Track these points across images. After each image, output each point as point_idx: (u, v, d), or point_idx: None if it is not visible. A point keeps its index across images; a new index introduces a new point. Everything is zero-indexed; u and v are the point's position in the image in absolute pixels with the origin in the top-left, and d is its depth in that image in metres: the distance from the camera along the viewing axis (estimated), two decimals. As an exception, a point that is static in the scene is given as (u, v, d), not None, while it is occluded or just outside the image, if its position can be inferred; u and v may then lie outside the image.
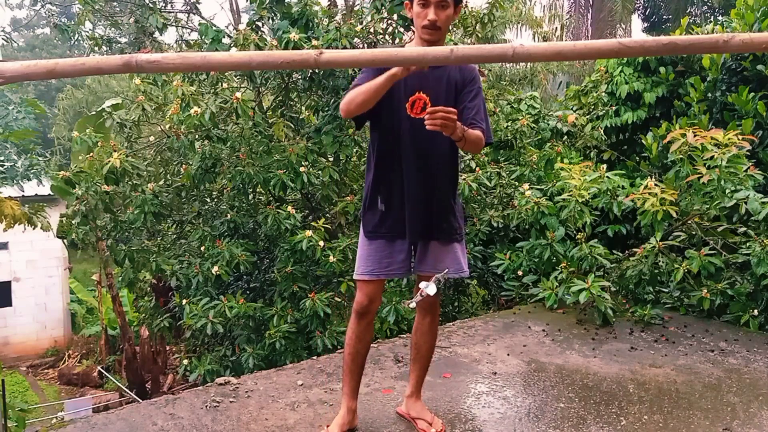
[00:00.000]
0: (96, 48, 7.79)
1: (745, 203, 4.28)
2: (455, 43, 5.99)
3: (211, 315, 4.94)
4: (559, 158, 5.81)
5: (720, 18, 13.04)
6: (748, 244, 4.31)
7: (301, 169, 5.34)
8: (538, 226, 5.04)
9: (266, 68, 5.45)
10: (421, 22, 2.35)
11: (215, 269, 5.11)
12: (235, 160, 5.51)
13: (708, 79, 5.80)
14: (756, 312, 4.31)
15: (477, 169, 5.86)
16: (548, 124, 6.30)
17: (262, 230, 5.62)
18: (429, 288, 2.34)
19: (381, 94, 2.28)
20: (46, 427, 3.11)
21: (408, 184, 2.48)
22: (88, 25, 8.92)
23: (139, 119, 5.84)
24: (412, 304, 2.34)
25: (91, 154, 5.79)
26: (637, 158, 6.25)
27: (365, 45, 6.13)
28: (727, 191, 4.25)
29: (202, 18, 8.20)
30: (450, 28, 6.77)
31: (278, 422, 2.84)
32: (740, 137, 4.12)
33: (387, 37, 6.22)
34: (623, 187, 4.87)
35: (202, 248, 5.52)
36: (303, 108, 6.62)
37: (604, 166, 5.00)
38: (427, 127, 2.19)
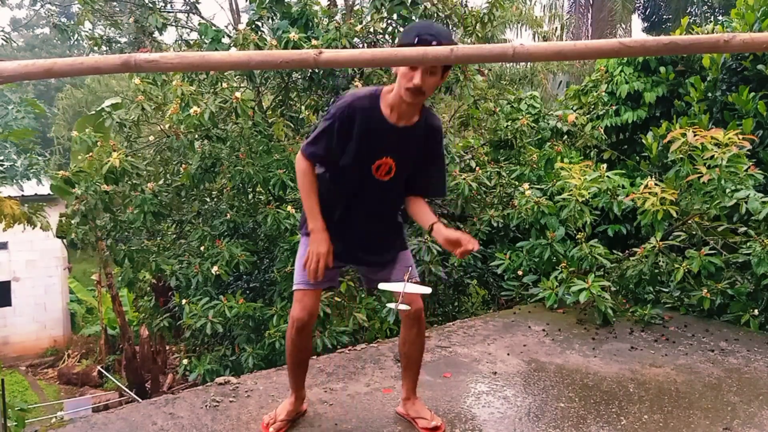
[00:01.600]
0: (95, 48, 7.78)
1: (746, 203, 4.27)
2: (455, 43, 5.98)
3: (210, 315, 4.94)
4: (559, 158, 5.81)
5: (720, 18, 13.04)
6: (748, 243, 4.30)
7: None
8: (538, 226, 5.04)
9: (266, 68, 5.45)
10: (405, 83, 2.24)
11: (215, 269, 5.10)
12: (235, 159, 5.51)
13: (708, 78, 5.79)
14: (756, 312, 4.31)
15: (477, 168, 5.85)
16: (548, 124, 6.29)
17: (261, 230, 5.61)
18: (412, 289, 2.33)
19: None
20: (45, 426, 3.11)
21: (353, 226, 2.52)
22: (87, 25, 8.90)
23: (139, 119, 5.83)
24: (402, 307, 2.33)
25: (91, 153, 5.79)
26: (637, 158, 6.25)
27: (365, 45, 6.12)
28: (728, 191, 4.25)
29: (202, 18, 8.19)
30: (450, 28, 6.77)
31: (278, 422, 2.83)
32: (740, 137, 4.12)
33: (387, 36, 6.22)
34: (623, 187, 4.87)
35: (202, 248, 5.52)
36: (303, 107, 6.61)
37: (604, 165, 4.99)
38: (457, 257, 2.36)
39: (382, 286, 2.39)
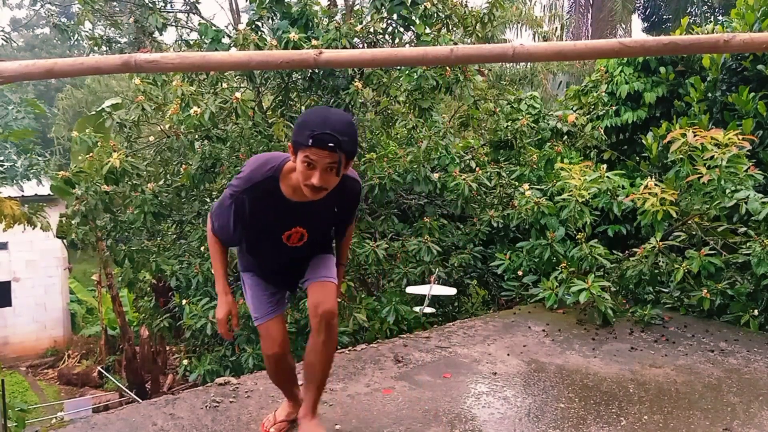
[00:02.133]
0: (96, 48, 7.78)
1: (745, 203, 4.27)
2: (455, 43, 5.99)
3: (210, 315, 4.94)
4: (559, 158, 5.81)
5: (720, 18, 13.04)
6: (748, 244, 4.30)
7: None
8: (538, 226, 5.04)
9: (266, 68, 5.45)
10: (303, 180, 2.06)
11: (215, 269, 5.10)
12: (235, 160, 5.51)
13: (708, 79, 5.79)
14: (756, 312, 4.31)
15: (477, 169, 5.85)
16: (548, 124, 6.29)
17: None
18: (438, 289, 2.30)
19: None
20: (45, 427, 3.11)
21: (281, 272, 2.55)
22: (87, 25, 8.90)
23: (139, 119, 5.83)
24: (428, 310, 2.32)
25: (91, 154, 5.79)
26: (637, 158, 6.25)
27: (365, 45, 6.12)
28: (728, 191, 4.25)
29: (202, 18, 8.19)
30: (450, 28, 6.75)
31: (278, 422, 2.83)
32: (740, 137, 4.12)
33: (387, 36, 6.22)
34: (623, 187, 4.86)
35: (202, 248, 5.52)
36: (303, 108, 6.61)
37: (604, 166, 4.99)
38: None
39: (409, 289, 2.38)
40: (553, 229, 4.87)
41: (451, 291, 2.06)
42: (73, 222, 5.80)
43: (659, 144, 5.36)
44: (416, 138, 5.84)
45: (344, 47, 5.37)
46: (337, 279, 2.48)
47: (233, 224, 2.29)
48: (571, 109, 6.88)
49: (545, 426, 2.83)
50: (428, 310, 2.19)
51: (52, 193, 11.89)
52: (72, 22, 8.49)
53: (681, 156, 4.33)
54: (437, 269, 5.07)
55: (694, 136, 4.22)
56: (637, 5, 21.24)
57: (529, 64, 12.07)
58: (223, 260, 2.45)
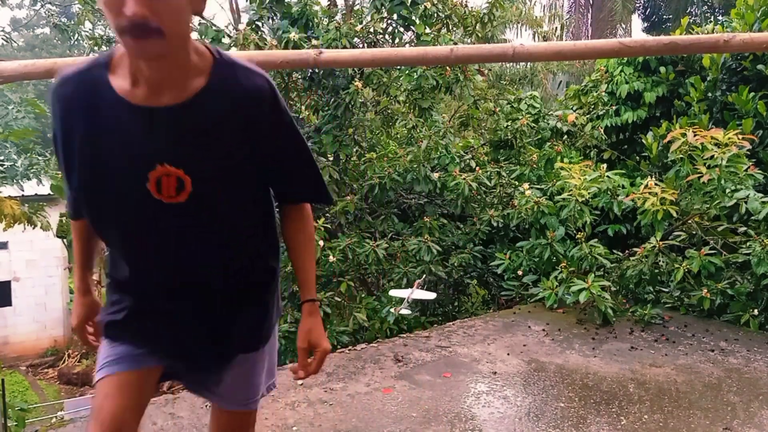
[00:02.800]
0: (96, 48, 7.78)
1: (745, 203, 4.27)
2: (455, 43, 5.99)
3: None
4: (559, 158, 5.81)
5: (720, 18, 13.03)
6: (748, 243, 4.30)
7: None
8: (538, 226, 5.04)
9: (266, 68, 5.43)
10: (114, 20, 1.12)
11: (215, 269, 5.10)
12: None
13: (708, 78, 5.79)
14: (756, 311, 4.31)
15: (477, 168, 5.86)
16: (548, 124, 6.29)
17: (261, 230, 5.60)
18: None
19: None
20: (45, 426, 3.12)
21: (160, 306, 1.42)
22: (87, 25, 8.91)
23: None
24: (404, 311, 2.25)
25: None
26: (637, 158, 6.24)
27: (365, 45, 6.12)
28: (728, 191, 4.25)
29: (202, 18, 8.19)
30: (450, 28, 6.79)
31: (278, 422, 2.83)
32: (740, 137, 4.12)
33: (387, 36, 6.22)
34: (623, 187, 4.86)
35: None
36: (303, 107, 6.61)
37: (604, 165, 4.99)
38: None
39: (392, 292, 2.13)
40: (553, 229, 4.87)
41: (431, 296, 1.99)
42: (73, 222, 5.79)
43: (659, 144, 5.36)
44: (416, 138, 5.84)
45: (344, 47, 5.37)
46: (256, 404, 1.65)
47: (64, 162, 1.33)
48: (571, 108, 6.87)
49: (545, 425, 2.83)
50: (405, 312, 2.09)
51: (52, 193, 11.84)
52: (72, 22, 8.50)
53: (681, 155, 4.33)
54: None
55: (694, 135, 4.22)
56: (637, 5, 21.24)
57: (529, 64, 12.07)
58: (83, 245, 1.55)
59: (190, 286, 1.39)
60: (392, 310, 2.11)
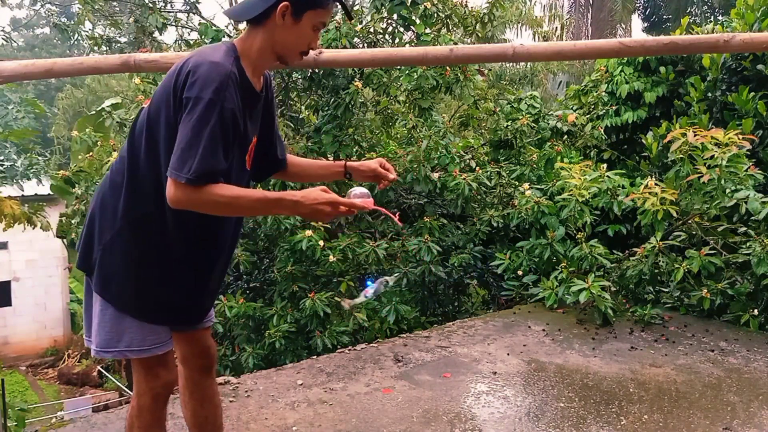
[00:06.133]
0: (95, 48, 7.79)
1: (746, 203, 4.27)
2: (455, 43, 5.99)
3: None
4: (559, 158, 5.80)
5: (720, 18, 13.03)
6: (748, 243, 4.30)
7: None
8: (538, 226, 5.04)
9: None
10: (302, 47, 1.74)
11: (215, 269, 5.10)
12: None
13: (708, 78, 5.79)
14: (756, 312, 4.31)
15: (477, 168, 5.85)
16: (548, 124, 6.29)
17: (261, 230, 5.61)
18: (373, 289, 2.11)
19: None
20: (45, 426, 3.11)
21: (218, 256, 1.89)
22: (87, 25, 8.92)
23: (139, 119, 5.83)
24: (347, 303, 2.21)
25: (91, 153, 5.79)
26: (637, 158, 6.24)
27: (365, 45, 6.12)
28: (728, 191, 4.25)
29: (202, 18, 8.19)
30: (450, 28, 6.77)
31: (278, 422, 2.83)
32: (740, 137, 4.12)
33: (387, 36, 6.22)
34: (623, 187, 4.86)
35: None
36: (303, 107, 6.61)
37: (604, 165, 4.99)
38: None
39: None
40: (553, 229, 4.87)
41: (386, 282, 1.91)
42: (73, 221, 5.80)
43: (659, 143, 5.36)
44: (416, 138, 5.84)
45: (344, 47, 5.37)
46: None
47: (232, 139, 1.64)
48: (571, 108, 6.87)
49: (545, 425, 2.83)
50: (347, 303, 2.05)
51: (52, 193, 11.89)
52: (72, 22, 8.50)
53: (681, 155, 4.33)
54: (437, 269, 5.05)
55: (694, 135, 4.22)
56: (637, 5, 21.24)
57: (529, 64, 12.07)
58: (257, 191, 1.87)
59: (231, 237, 1.89)
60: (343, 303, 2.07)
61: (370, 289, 2.02)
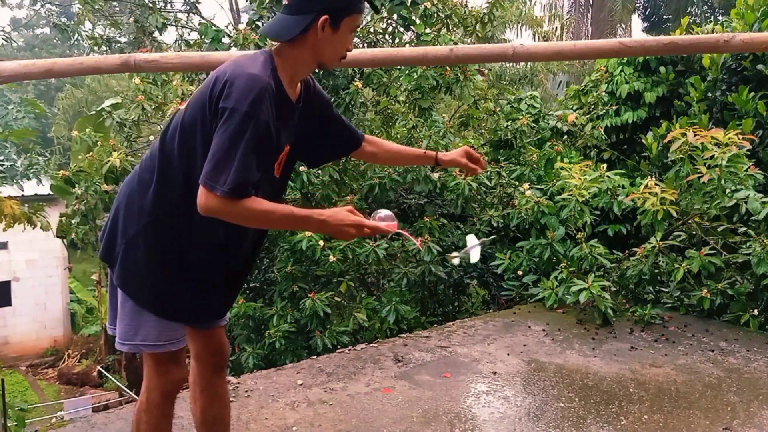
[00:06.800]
0: (95, 47, 7.80)
1: (746, 203, 4.27)
2: (455, 43, 5.99)
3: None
4: (559, 158, 5.80)
5: (720, 18, 13.03)
6: (748, 243, 4.30)
7: (301, 168, 5.34)
8: (538, 226, 5.04)
9: (266, 68, 5.43)
10: (340, 53, 1.77)
11: (215, 269, 5.10)
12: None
13: (708, 78, 5.79)
14: (756, 312, 4.30)
15: (477, 168, 5.85)
16: (548, 124, 6.29)
17: (261, 230, 5.62)
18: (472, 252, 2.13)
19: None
20: (45, 426, 3.12)
21: (242, 255, 1.93)
22: (87, 25, 8.92)
23: (139, 119, 5.84)
24: (456, 261, 2.22)
25: (91, 153, 5.79)
26: (637, 158, 6.24)
27: (365, 45, 6.12)
28: (728, 191, 4.25)
29: (202, 18, 8.20)
30: (450, 28, 6.77)
31: (278, 422, 2.83)
32: (740, 137, 4.12)
33: (387, 36, 6.22)
34: (623, 187, 4.86)
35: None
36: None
37: (604, 165, 4.99)
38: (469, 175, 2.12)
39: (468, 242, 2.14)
40: (553, 229, 4.87)
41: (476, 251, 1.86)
42: (73, 221, 5.80)
43: (659, 143, 5.36)
44: (416, 138, 5.83)
45: (344, 47, 5.37)
46: None
47: (266, 151, 1.68)
48: (571, 108, 6.87)
49: (545, 425, 2.83)
50: (455, 260, 2.02)
51: (52, 193, 11.89)
52: (72, 22, 8.50)
53: (681, 155, 4.33)
54: (437, 269, 5.04)
55: (694, 135, 4.22)
56: (637, 5, 21.24)
57: (529, 64, 12.07)
58: (283, 205, 1.78)
59: (254, 244, 1.94)
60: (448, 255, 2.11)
61: (474, 250, 2.06)
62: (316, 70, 1.91)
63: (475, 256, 2.08)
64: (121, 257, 1.81)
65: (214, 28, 6.06)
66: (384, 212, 1.86)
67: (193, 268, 1.81)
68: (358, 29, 5.73)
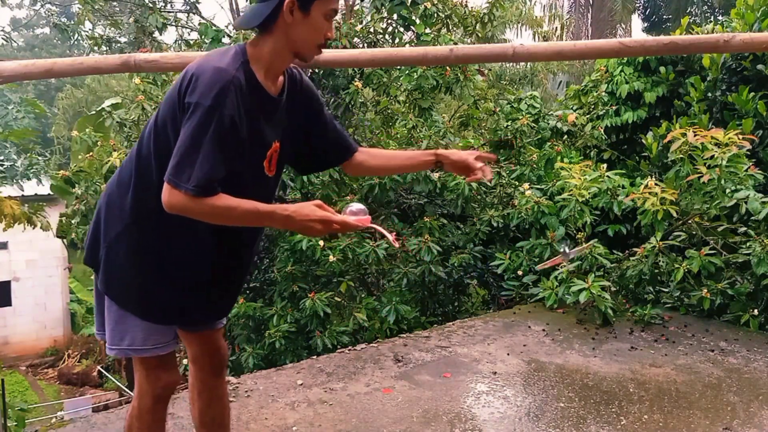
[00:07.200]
0: (95, 48, 7.80)
1: (746, 203, 4.27)
2: (455, 43, 5.99)
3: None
4: (559, 158, 5.80)
5: (720, 18, 13.03)
6: (748, 243, 4.30)
7: (301, 168, 5.34)
8: (538, 226, 5.04)
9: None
10: (317, 39, 1.67)
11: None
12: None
13: (708, 78, 5.79)
14: (756, 312, 4.30)
15: (477, 168, 5.85)
16: (548, 124, 6.29)
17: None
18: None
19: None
20: (45, 426, 3.12)
21: (231, 259, 1.86)
22: (87, 25, 8.92)
23: (139, 118, 5.83)
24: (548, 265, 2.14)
25: (91, 153, 5.80)
26: (637, 158, 6.24)
27: (365, 45, 6.12)
28: (728, 191, 4.25)
29: (202, 18, 8.20)
30: (450, 28, 6.78)
31: (278, 422, 2.83)
32: (740, 137, 4.12)
33: (387, 36, 6.22)
34: (623, 187, 4.86)
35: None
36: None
37: (604, 165, 4.99)
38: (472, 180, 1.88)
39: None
40: (553, 229, 4.87)
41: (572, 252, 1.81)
42: (73, 221, 5.81)
43: (659, 143, 5.36)
44: (416, 138, 5.84)
45: (344, 47, 5.37)
46: None
47: (230, 147, 1.59)
48: (571, 108, 6.87)
49: (545, 425, 2.83)
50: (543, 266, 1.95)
51: (52, 193, 11.89)
52: (72, 22, 8.50)
53: (681, 155, 4.33)
54: (437, 269, 5.04)
55: (694, 135, 4.22)
56: (637, 5, 21.24)
57: (529, 64, 12.07)
58: (247, 202, 1.63)
59: (250, 244, 1.88)
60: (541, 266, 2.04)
61: (569, 254, 1.99)
62: (317, 70, 1.90)
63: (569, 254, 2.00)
64: (104, 260, 1.78)
65: (214, 28, 6.07)
66: (356, 206, 1.75)
67: (176, 268, 1.76)
68: (360, 30, 5.74)
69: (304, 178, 5.29)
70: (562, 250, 2.04)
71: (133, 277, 1.76)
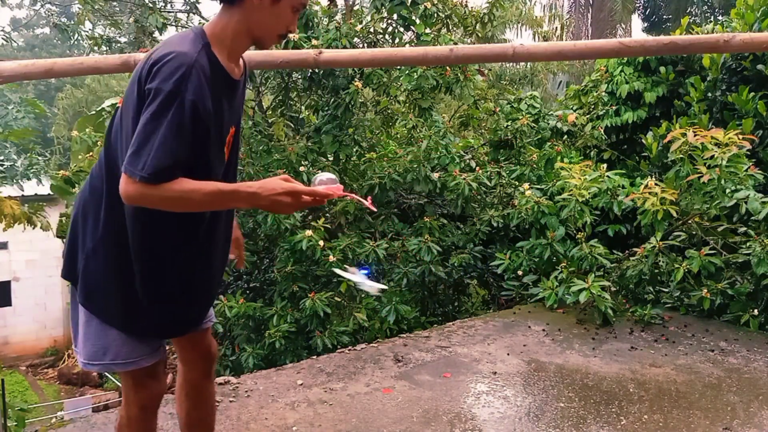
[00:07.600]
0: (96, 48, 7.79)
1: (746, 203, 4.27)
2: (455, 43, 5.99)
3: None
4: (559, 158, 5.80)
5: (720, 18, 13.03)
6: (748, 243, 4.30)
7: (301, 168, 5.34)
8: (538, 226, 5.04)
9: (265, 68, 5.45)
10: (280, 30, 1.63)
11: (215, 269, 5.10)
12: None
13: (708, 78, 5.79)
14: (756, 312, 4.30)
15: (477, 168, 5.86)
16: (548, 124, 6.29)
17: (261, 230, 5.62)
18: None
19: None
20: (45, 426, 3.12)
21: (212, 252, 1.79)
22: (87, 25, 8.92)
23: (139, 119, 5.82)
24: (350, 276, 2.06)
25: (91, 153, 5.79)
26: (637, 158, 6.25)
27: (365, 45, 6.12)
28: (728, 191, 4.25)
29: (202, 18, 8.19)
30: (450, 28, 6.78)
31: (278, 422, 2.83)
32: (740, 137, 4.12)
33: (387, 36, 6.22)
34: (623, 187, 4.86)
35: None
36: (303, 107, 6.61)
37: (604, 165, 4.99)
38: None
39: (341, 272, 2.05)
40: (553, 229, 4.87)
41: (382, 287, 1.76)
42: (73, 222, 5.80)
43: (659, 143, 5.36)
44: (416, 137, 5.84)
45: (344, 47, 5.37)
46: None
47: (192, 135, 1.50)
48: (571, 108, 6.87)
49: (545, 425, 2.83)
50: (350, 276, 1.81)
51: (52, 193, 11.84)
52: (72, 22, 8.50)
53: (681, 155, 4.33)
54: (437, 269, 5.04)
55: (694, 135, 4.22)
56: (637, 5, 21.26)
57: (529, 64, 12.07)
58: (210, 183, 1.55)
59: (225, 236, 1.81)
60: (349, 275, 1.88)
61: (363, 282, 1.96)
62: (317, 70, 1.89)
63: (365, 285, 1.96)
64: (82, 272, 1.69)
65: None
66: (325, 175, 1.66)
67: (157, 277, 1.67)
68: (360, 30, 5.73)
69: (304, 178, 5.29)
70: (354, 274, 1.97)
71: (115, 289, 1.67)
